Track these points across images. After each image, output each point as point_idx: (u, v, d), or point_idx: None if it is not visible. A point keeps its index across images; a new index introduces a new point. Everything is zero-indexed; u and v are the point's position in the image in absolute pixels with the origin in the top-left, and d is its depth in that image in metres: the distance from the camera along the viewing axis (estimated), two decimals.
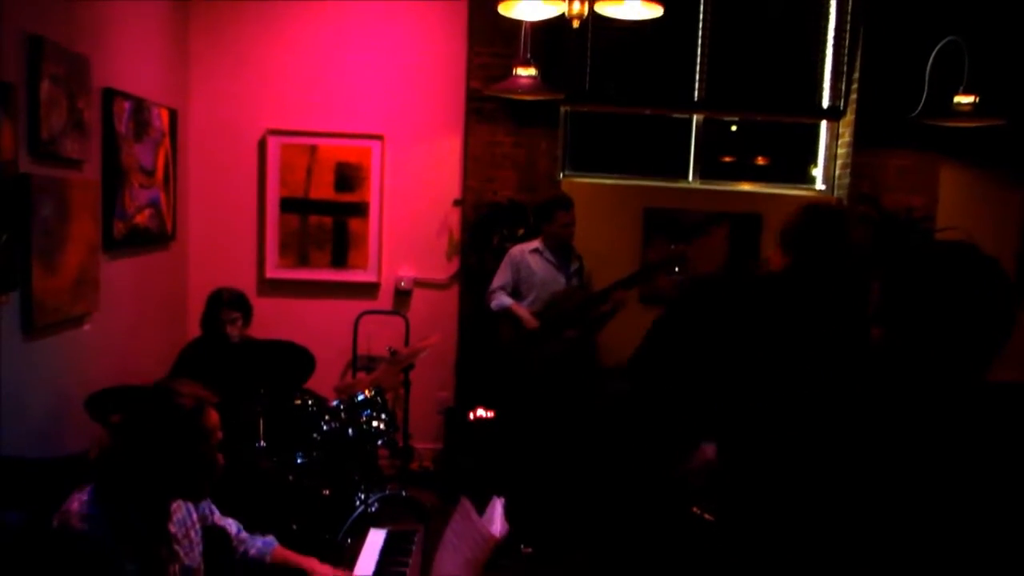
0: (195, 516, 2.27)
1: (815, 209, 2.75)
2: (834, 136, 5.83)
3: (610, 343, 5.30)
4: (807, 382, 1.92)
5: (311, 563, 2.43)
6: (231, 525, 2.45)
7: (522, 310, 4.76)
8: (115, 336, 4.27)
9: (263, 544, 2.46)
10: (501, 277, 4.88)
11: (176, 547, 2.14)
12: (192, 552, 2.21)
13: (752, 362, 2.25)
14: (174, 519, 2.17)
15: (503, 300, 4.82)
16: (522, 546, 3.34)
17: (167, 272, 5.11)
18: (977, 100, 4.68)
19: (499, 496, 2.16)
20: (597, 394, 5.07)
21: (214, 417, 2.11)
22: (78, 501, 1.99)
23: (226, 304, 4.02)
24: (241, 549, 2.43)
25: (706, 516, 3.73)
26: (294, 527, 3.33)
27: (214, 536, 2.37)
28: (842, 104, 5.71)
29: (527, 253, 4.86)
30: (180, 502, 2.21)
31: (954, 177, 5.63)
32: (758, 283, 2.71)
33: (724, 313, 2.53)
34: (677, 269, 4.95)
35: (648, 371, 2.48)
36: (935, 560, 1.71)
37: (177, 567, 2.13)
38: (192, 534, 2.23)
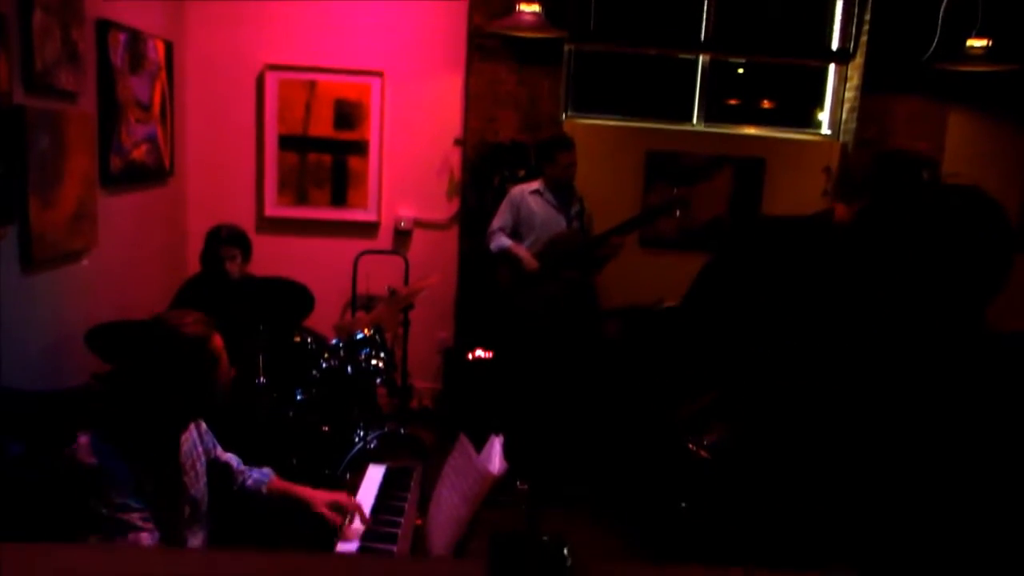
0: (200, 449, 2.29)
1: (889, 157, 2.56)
2: (842, 79, 5.75)
3: (609, 285, 5.31)
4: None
5: (307, 491, 2.44)
6: (232, 459, 2.47)
7: (522, 251, 4.73)
8: (114, 272, 4.26)
9: (260, 475, 2.48)
10: (501, 218, 4.84)
11: (184, 478, 2.17)
12: (197, 483, 2.24)
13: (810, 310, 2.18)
14: (182, 451, 2.19)
15: (502, 241, 4.79)
16: (518, 482, 3.38)
17: (166, 209, 5.08)
18: (990, 44, 4.59)
19: (497, 434, 2.17)
20: (596, 334, 5.09)
21: (219, 341, 2.13)
22: (84, 439, 2.00)
23: (224, 241, 4.00)
24: (240, 480, 2.46)
25: (702, 453, 3.79)
26: (294, 462, 3.36)
27: (217, 469, 2.39)
28: (852, 46, 5.62)
29: (527, 194, 4.82)
30: (187, 434, 2.23)
31: (962, 124, 5.56)
32: (832, 231, 2.56)
33: (800, 258, 2.41)
34: (678, 213, 4.93)
35: (702, 311, 2.38)
36: (933, 504, 1.73)
37: (184, 499, 2.16)
38: (198, 466, 2.26)
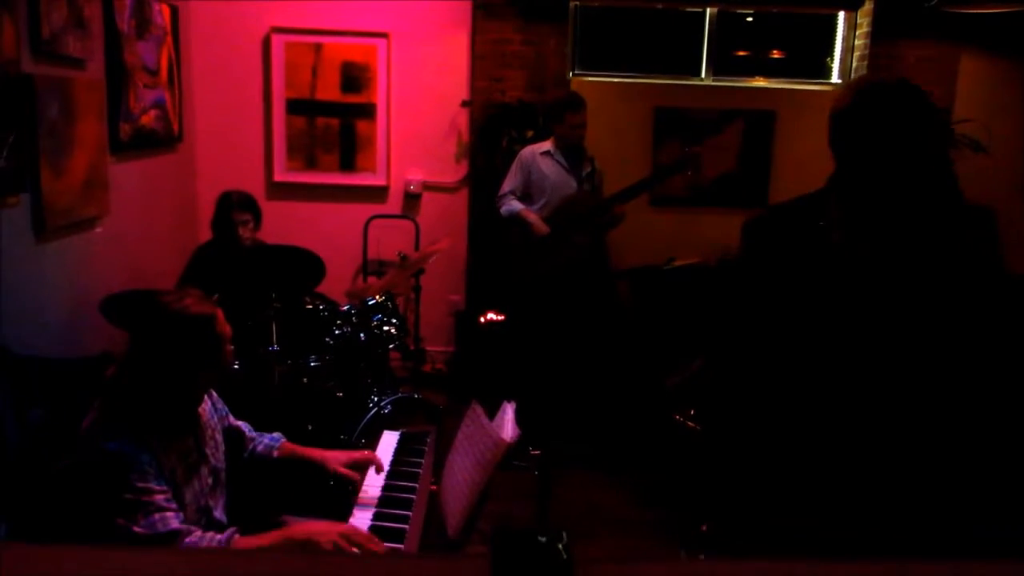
0: (215, 418, 2.32)
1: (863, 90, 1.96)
2: (851, 27, 5.67)
3: (620, 245, 5.30)
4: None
5: (320, 452, 2.45)
6: (243, 426, 2.50)
7: (532, 215, 4.71)
8: (127, 239, 4.28)
9: (270, 439, 2.51)
10: (511, 181, 4.80)
11: (206, 448, 2.20)
12: (217, 452, 2.27)
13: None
14: (201, 422, 2.22)
15: (513, 205, 4.76)
16: (530, 448, 3.41)
17: (176, 175, 5.09)
18: None
19: (509, 401, 2.19)
20: (608, 295, 5.10)
21: (224, 322, 2.14)
22: (93, 419, 2.01)
23: (236, 205, 4.00)
24: (250, 447, 2.49)
25: (689, 424, 3.82)
26: (309, 428, 3.41)
27: (231, 436, 2.42)
28: None
29: (538, 155, 4.77)
30: (203, 405, 2.26)
31: (974, 67, 5.49)
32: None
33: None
34: (690, 172, 4.89)
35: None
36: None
37: (207, 468, 2.19)
38: (217, 436, 2.29)
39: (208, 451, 2.21)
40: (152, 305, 2.09)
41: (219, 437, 2.30)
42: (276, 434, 2.55)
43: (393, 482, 2.45)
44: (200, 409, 2.23)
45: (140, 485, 1.93)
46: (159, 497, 1.95)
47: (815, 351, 1.90)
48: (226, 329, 2.13)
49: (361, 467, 2.40)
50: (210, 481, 2.20)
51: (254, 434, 2.53)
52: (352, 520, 2.24)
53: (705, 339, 4.13)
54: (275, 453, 2.48)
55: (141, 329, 2.09)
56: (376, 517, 2.26)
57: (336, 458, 2.41)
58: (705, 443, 3.66)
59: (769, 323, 1.99)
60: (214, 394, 2.37)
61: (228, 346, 2.15)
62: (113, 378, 2.09)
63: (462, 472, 2.10)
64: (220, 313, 2.13)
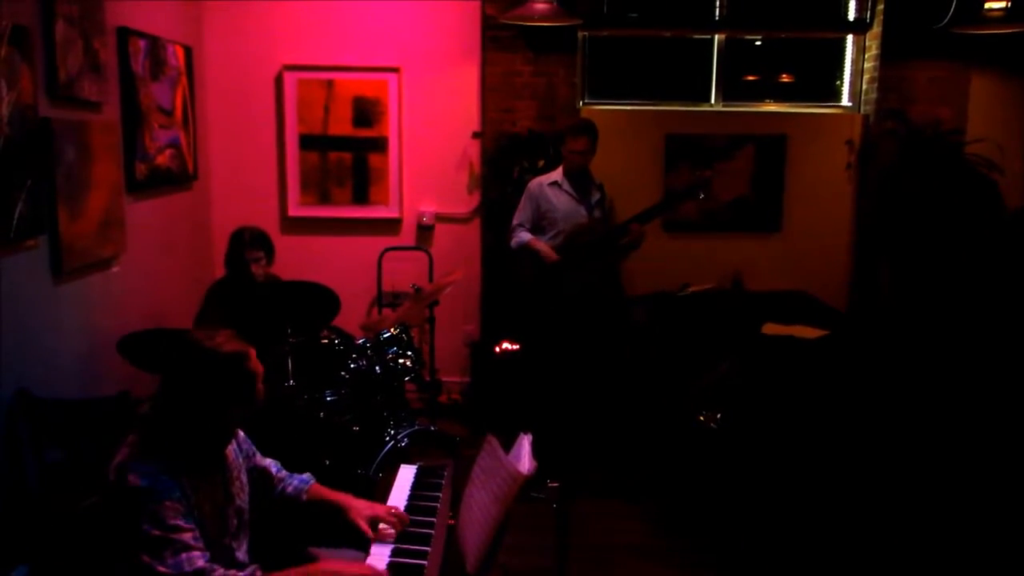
0: (240, 458, 2.31)
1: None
2: (860, 50, 5.68)
3: (634, 271, 5.30)
4: None
5: (347, 499, 2.44)
6: (271, 465, 2.49)
7: (540, 244, 4.72)
8: (143, 277, 4.32)
9: (299, 482, 2.49)
10: (521, 213, 4.83)
11: (232, 488, 2.20)
12: (243, 493, 2.26)
13: None
14: (228, 462, 2.22)
15: (522, 236, 4.79)
16: (548, 480, 3.39)
17: (191, 213, 5.14)
18: (1008, 5, 4.53)
19: (526, 432, 2.18)
20: (622, 323, 5.09)
21: (256, 361, 2.13)
22: (125, 456, 2.01)
23: (247, 243, 4.04)
24: (279, 487, 2.47)
25: (711, 424, 3.80)
26: (327, 463, 3.40)
27: (256, 475, 2.42)
28: (868, 16, 5.55)
29: (545, 186, 4.80)
30: (230, 446, 2.25)
31: (985, 87, 5.48)
32: None
33: None
34: (702, 195, 4.89)
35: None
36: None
37: (232, 509, 2.18)
38: (242, 476, 2.28)
39: (234, 491, 2.20)
40: (184, 343, 2.10)
41: (244, 478, 2.29)
42: (306, 475, 2.52)
43: (411, 516, 2.43)
44: (227, 450, 2.23)
45: (171, 522, 1.92)
46: (187, 535, 1.94)
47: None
48: (258, 367, 2.13)
49: (377, 525, 2.39)
50: (235, 522, 2.19)
51: (283, 473, 2.50)
52: (370, 556, 2.23)
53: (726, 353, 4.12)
54: (304, 496, 2.46)
55: (174, 367, 2.09)
56: (395, 553, 2.24)
57: (359, 510, 2.38)
58: (729, 445, 3.64)
59: None
60: (240, 434, 2.36)
61: (260, 384, 2.14)
62: (146, 415, 2.09)
63: (479, 506, 2.09)
64: (252, 351, 2.13)
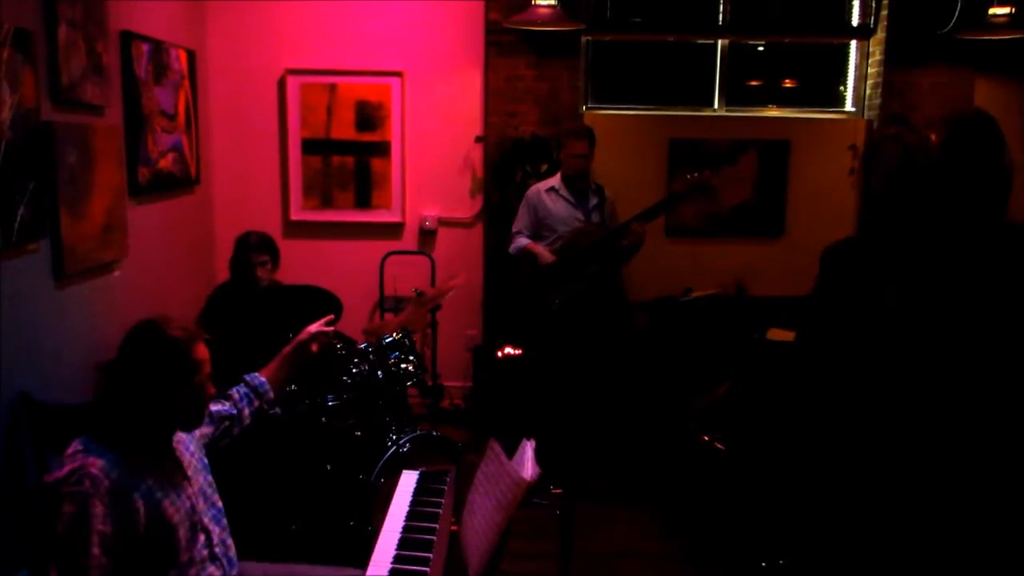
0: (189, 437, 2.29)
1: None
2: (864, 55, 5.67)
3: (637, 276, 5.28)
4: None
5: (292, 343, 2.63)
6: (220, 409, 2.48)
7: (538, 247, 4.72)
8: (145, 281, 4.31)
9: (255, 384, 2.56)
10: (520, 220, 4.85)
11: (188, 472, 2.18)
12: (201, 472, 2.25)
13: None
14: (179, 448, 2.21)
15: (519, 242, 4.80)
16: (552, 487, 3.39)
17: (193, 217, 5.13)
18: (1013, 11, 4.52)
19: (529, 438, 2.17)
20: (625, 328, 5.07)
21: (203, 349, 2.15)
22: (74, 450, 2.00)
23: (254, 247, 4.03)
24: (246, 412, 2.52)
25: (716, 445, 3.80)
26: (328, 468, 3.39)
27: (219, 429, 2.45)
28: (872, 22, 5.54)
29: (543, 192, 4.81)
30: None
31: (990, 93, 5.47)
32: None
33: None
34: (710, 190, 4.84)
35: None
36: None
37: (193, 490, 2.17)
38: (197, 453, 2.28)
39: (190, 474, 2.19)
40: (137, 327, 2.13)
41: (199, 454, 2.29)
42: (253, 376, 2.58)
43: (413, 523, 2.42)
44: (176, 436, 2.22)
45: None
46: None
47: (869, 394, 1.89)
48: (204, 356, 2.14)
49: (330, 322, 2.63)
50: (201, 501, 2.18)
51: (224, 408, 2.49)
52: (371, 563, 2.22)
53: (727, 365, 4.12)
54: (270, 394, 2.56)
55: (123, 347, 2.11)
56: (396, 560, 2.23)
57: (307, 331, 2.66)
58: (733, 465, 3.63)
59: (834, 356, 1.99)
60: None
61: (204, 373, 2.14)
62: (92, 404, 2.10)
63: (482, 512, 2.08)
64: (201, 345, 2.15)
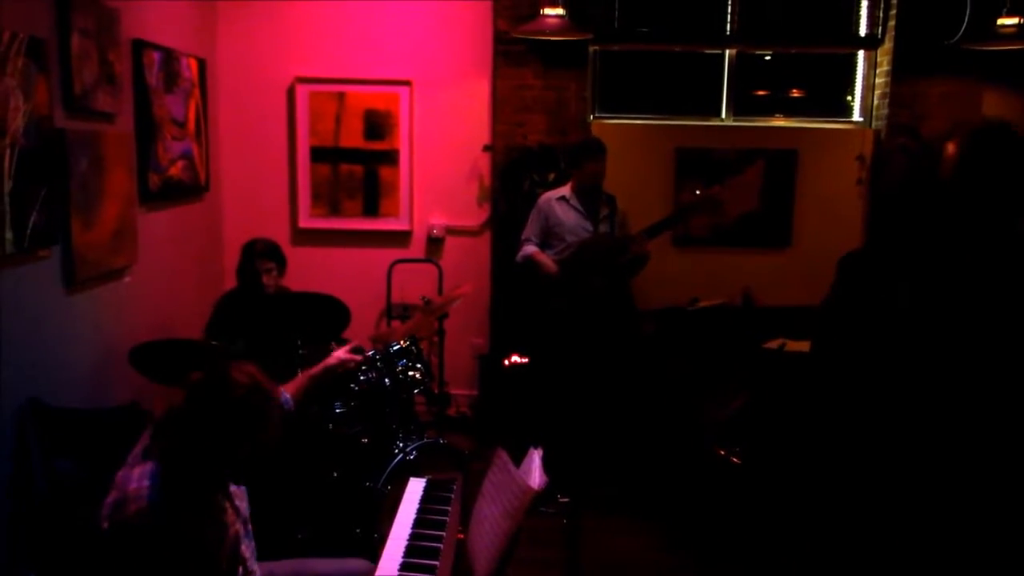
0: None
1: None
2: (872, 65, 5.68)
3: (644, 286, 5.28)
4: None
5: (323, 363, 2.70)
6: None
7: (542, 257, 4.73)
8: (155, 288, 4.33)
9: (282, 403, 2.40)
10: (530, 228, 4.85)
11: (236, 502, 2.18)
12: (243, 502, 2.25)
13: None
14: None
15: (526, 250, 4.81)
16: (558, 495, 3.39)
17: (202, 224, 5.16)
18: (1021, 22, 4.52)
19: (536, 447, 2.18)
20: (633, 337, 5.07)
21: (276, 402, 2.08)
22: (139, 484, 1.94)
23: (259, 255, 4.04)
24: None
25: (733, 460, 3.79)
26: (335, 475, 3.40)
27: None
28: (880, 32, 5.55)
29: (553, 201, 4.81)
30: None
31: (997, 103, 5.46)
32: None
33: None
34: (716, 207, 4.85)
35: None
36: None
37: (239, 524, 2.16)
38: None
39: (237, 503, 2.19)
40: (216, 380, 2.01)
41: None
42: (283, 395, 2.48)
43: (420, 531, 2.43)
44: None
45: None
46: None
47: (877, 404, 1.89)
48: (276, 412, 2.06)
49: (361, 351, 2.71)
50: (240, 530, 2.18)
51: None
52: (378, 569, 2.22)
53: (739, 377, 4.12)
54: (291, 407, 2.56)
55: (201, 402, 1.99)
56: (403, 567, 2.24)
57: (336, 356, 2.73)
58: (749, 479, 3.62)
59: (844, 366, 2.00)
60: None
61: (275, 424, 2.06)
62: (165, 436, 2.02)
63: (489, 520, 2.09)
64: (272, 396, 2.07)
